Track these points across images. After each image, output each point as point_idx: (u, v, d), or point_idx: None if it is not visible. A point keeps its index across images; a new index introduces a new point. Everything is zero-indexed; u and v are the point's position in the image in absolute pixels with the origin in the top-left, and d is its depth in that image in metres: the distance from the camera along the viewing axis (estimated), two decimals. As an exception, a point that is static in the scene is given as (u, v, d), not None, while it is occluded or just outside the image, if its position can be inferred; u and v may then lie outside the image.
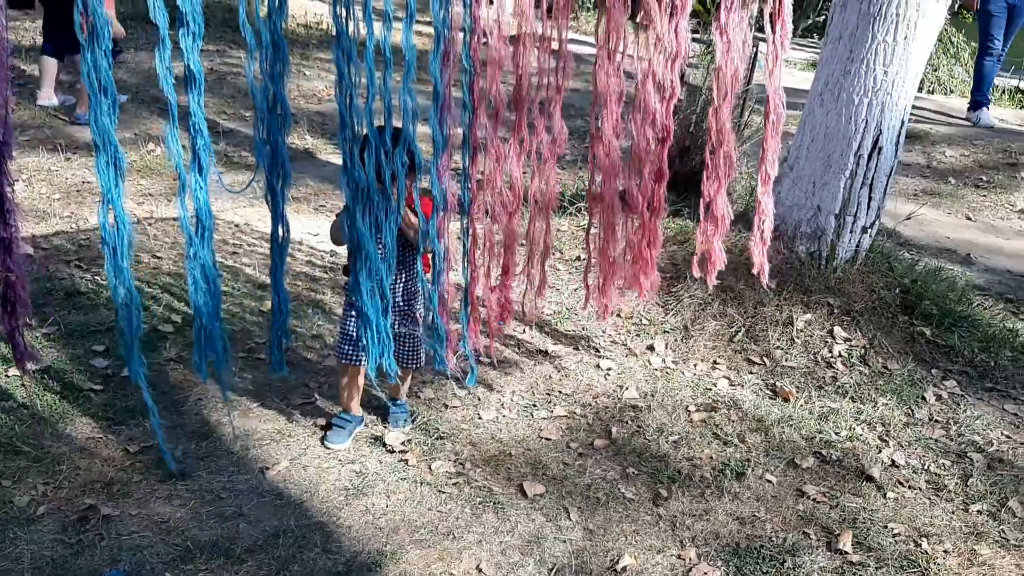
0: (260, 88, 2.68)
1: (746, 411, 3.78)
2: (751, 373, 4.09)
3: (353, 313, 3.13)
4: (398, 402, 3.53)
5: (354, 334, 3.14)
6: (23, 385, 3.56)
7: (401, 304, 3.25)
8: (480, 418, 3.66)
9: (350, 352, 3.26)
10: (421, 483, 3.24)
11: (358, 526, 3.00)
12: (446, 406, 3.72)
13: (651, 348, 4.25)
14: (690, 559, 2.93)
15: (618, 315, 4.46)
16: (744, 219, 4.77)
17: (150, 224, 5.26)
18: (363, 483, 3.21)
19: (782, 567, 2.92)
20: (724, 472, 3.38)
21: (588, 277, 3.75)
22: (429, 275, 3.12)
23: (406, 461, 3.35)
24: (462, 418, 3.66)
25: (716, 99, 3.24)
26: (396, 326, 3.14)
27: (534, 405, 3.78)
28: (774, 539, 3.05)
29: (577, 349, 4.23)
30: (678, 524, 3.11)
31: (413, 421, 3.56)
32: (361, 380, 3.39)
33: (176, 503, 3.03)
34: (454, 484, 3.24)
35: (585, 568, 2.87)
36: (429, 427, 3.56)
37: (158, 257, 4.84)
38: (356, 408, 3.46)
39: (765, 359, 4.17)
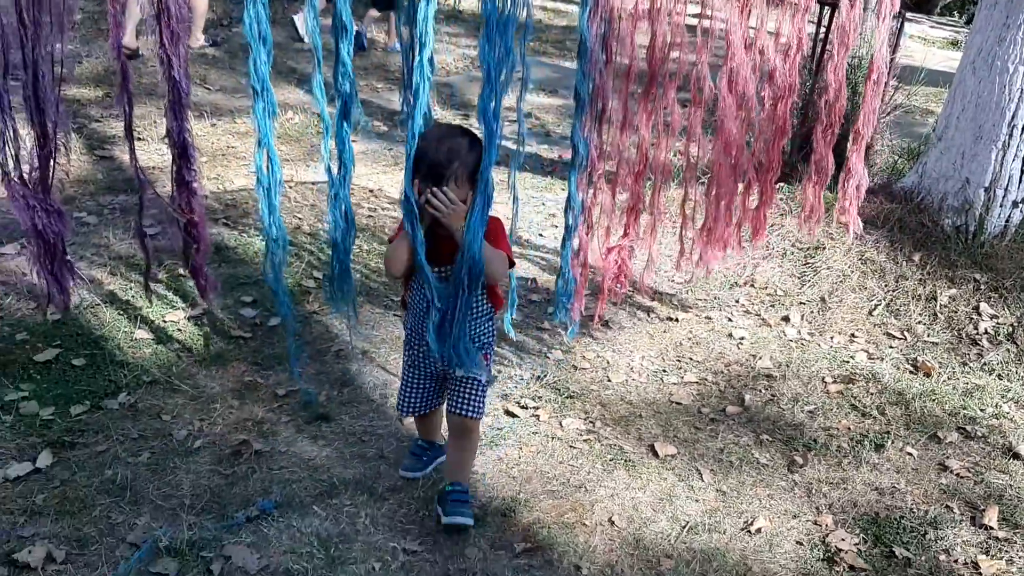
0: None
1: (885, 384, 3.68)
2: (891, 347, 3.97)
3: (409, 356, 2.75)
4: (457, 484, 2.76)
5: (412, 383, 2.76)
6: (180, 330, 3.78)
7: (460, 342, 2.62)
8: (610, 380, 3.68)
9: (409, 404, 2.80)
10: (552, 438, 3.28)
11: (492, 474, 3.07)
12: (575, 368, 3.76)
13: (786, 319, 4.17)
14: (827, 525, 2.88)
15: (752, 285, 4.39)
16: (886, 191, 4.63)
17: (290, 187, 5.46)
18: (496, 435, 3.28)
19: (923, 539, 2.84)
20: (862, 443, 3.31)
21: (698, 234, 3.70)
22: (500, 313, 2.74)
23: (537, 417, 3.40)
24: (591, 380, 3.69)
25: (835, 54, 3.17)
26: (454, 370, 2.63)
27: (664, 370, 3.78)
28: (915, 511, 2.97)
29: (709, 318, 4.19)
30: (814, 491, 3.06)
31: (539, 383, 3.60)
32: (438, 417, 2.95)
33: (321, 443, 3.17)
34: (585, 441, 3.28)
35: (718, 527, 2.86)
36: (559, 386, 3.60)
37: (298, 217, 5.03)
38: (437, 437, 3.03)
39: (906, 334, 4.04)
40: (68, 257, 3.32)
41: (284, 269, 2.95)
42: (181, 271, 4.23)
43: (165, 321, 3.83)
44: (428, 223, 2.43)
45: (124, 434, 3.14)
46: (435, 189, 2.34)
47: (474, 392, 2.66)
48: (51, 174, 3.11)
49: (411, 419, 3.05)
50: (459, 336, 2.54)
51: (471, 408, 2.67)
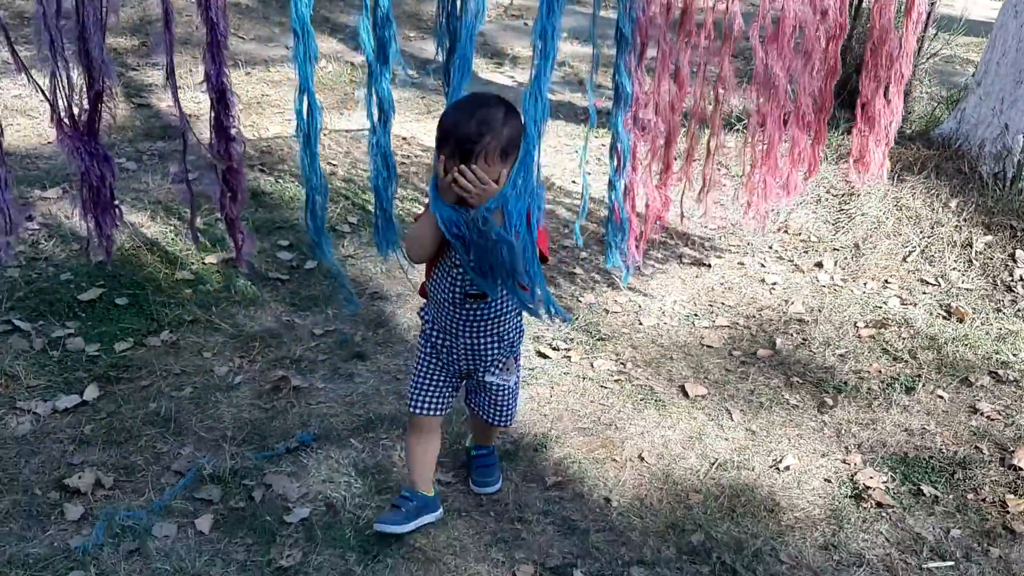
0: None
1: (918, 329, 3.68)
2: (924, 293, 3.96)
3: (428, 349, 2.45)
4: (481, 447, 2.71)
5: (429, 378, 2.46)
6: (219, 272, 3.86)
7: (488, 342, 2.39)
8: (641, 324, 3.71)
9: (424, 401, 2.47)
10: (584, 378, 3.33)
11: (524, 412, 3.12)
12: (607, 311, 3.79)
13: (819, 265, 4.17)
14: (855, 464, 2.91)
15: (785, 231, 4.38)
16: (923, 137, 4.58)
17: (325, 135, 5.50)
18: (528, 375, 3.33)
19: (952, 478, 2.87)
20: (893, 386, 3.32)
21: (755, 175, 3.69)
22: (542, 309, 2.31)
23: (569, 358, 3.45)
24: (623, 323, 3.72)
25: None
26: (482, 373, 2.44)
27: (696, 314, 3.80)
28: (944, 451, 2.99)
29: (742, 264, 4.19)
30: (843, 431, 3.09)
31: (571, 326, 3.63)
32: (437, 443, 2.56)
33: (358, 380, 3.24)
34: (616, 381, 3.32)
35: (747, 464, 2.90)
36: (591, 329, 3.64)
37: (333, 164, 5.06)
38: (427, 485, 2.53)
39: (940, 280, 4.03)
40: (116, 202, 3.39)
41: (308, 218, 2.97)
42: (219, 216, 4.30)
43: (204, 263, 3.91)
44: (453, 203, 2.14)
45: (167, 370, 3.23)
46: (463, 167, 2.04)
47: (506, 399, 2.50)
48: (98, 118, 3.16)
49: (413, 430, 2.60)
50: (489, 335, 2.38)
51: (503, 416, 2.54)
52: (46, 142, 4.89)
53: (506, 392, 2.49)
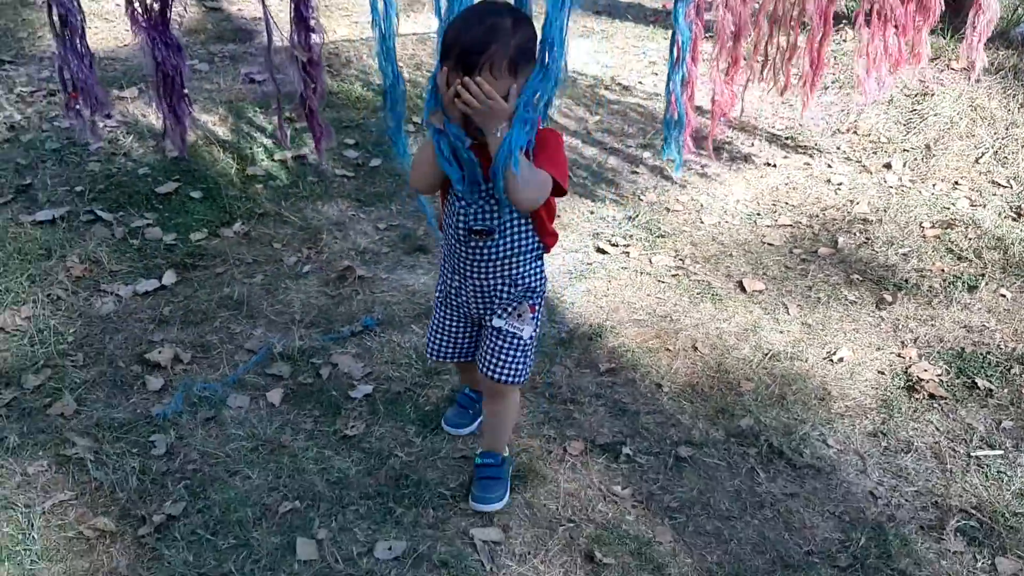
0: None
1: (985, 229, 3.61)
2: (995, 195, 3.86)
3: (441, 289, 2.25)
4: (488, 455, 2.33)
5: (442, 323, 2.28)
6: (287, 169, 3.97)
7: (498, 285, 2.12)
8: (702, 222, 3.72)
9: (439, 345, 2.31)
10: (641, 273, 3.37)
11: (580, 303, 3.19)
12: (668, 210, 3.80)
13: (887, 166, 4.09)
14: (910, 357, 2.92)
15: (854, 132, 4.30)
16: (1002, 37, 4.40)
17: (392, 38, 5.51)
18: (586, 269, 3.39)
19: (1008, 373, 2.86)
20: (955, 284, 3.29)
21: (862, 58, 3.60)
22: (552, 245, 2.16)
23: (627, 254, 3.49)
24: (683, 221, 3.73)
25: None
26: (490, 317, 2.16)
27: (758, 214, 3.79)
28: (1003, 347, 2.97)
29: (808, 164, 4.14)
30: (900, 327, 3.08)
31: (631, 223, 3.65)
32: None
33: (419, 272, 3.34)
34: (673, 276, 3.35)
35: (801, 356, 2.93)
36: (651, 226, 3.66)
37: (399, 66, 5.09)
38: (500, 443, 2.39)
39: (1012, 182, 3.92)
40: (185, 91, 3.51)
41: (388, 115, 3.02)
42: (288, 115, 4.39)
43: (273, 160, 4.02)
44: (458, 123, 1.89)
45: (239, 258, 3.37)
46: (466, 79, 1.78)
47: (513, 351, 2.13)
48: (169, 10, 3.26)
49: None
50: (499, 276, 2.11)
51: (506, 371, 2.14)
52: (122, 44, 5.04)
53: (515, 342, 2.13)
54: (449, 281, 2.19)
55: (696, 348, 2.95)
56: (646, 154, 4.17)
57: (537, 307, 2.16)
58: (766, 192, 3.93)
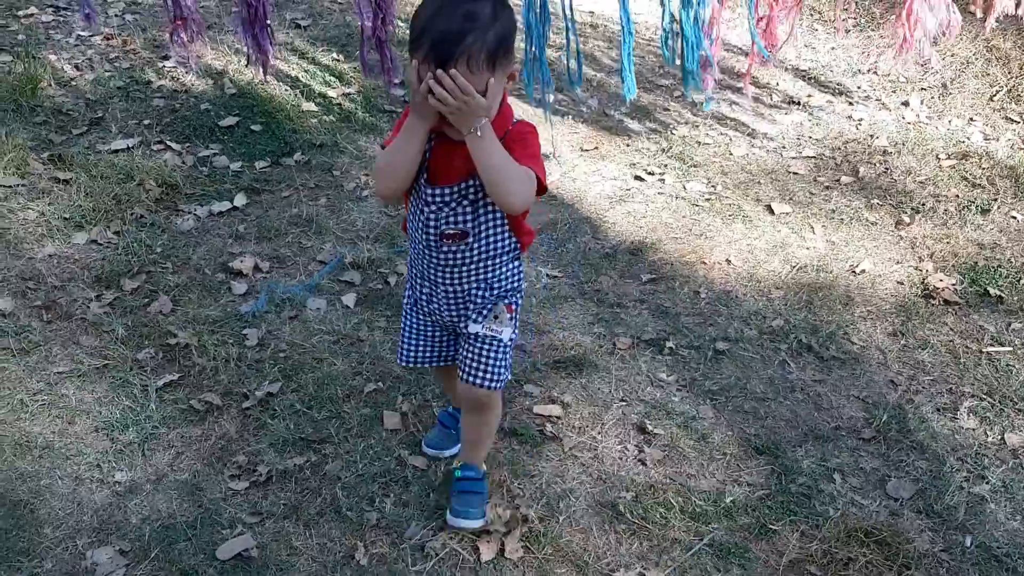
0: None
1: (998, 160, 3.85)
2: (1008, 129, 4.10)
3: (408, 294, 2.08)
4: (468, 468, 2.18)
5: (412, 328, 2.10)
6: (340, 104, 4.22)
7: (473, 289, 1.95)
8: (731, 154, 3.97)
9: (410, 351, 2.13)
10: (676, 197, 3.63)
11: (621, 224, 3.46)
12: (699, 143, 4.05)
13: (905, 104, 4.32)
14: (927, 270, 3.18)
15: (874, 73, 4.53)
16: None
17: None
18: (625, 194, 3.65)
19: (1017, 283, 3.12)
20: (969, 208, 3.54)
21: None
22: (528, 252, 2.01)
23: (663, 181, 3.74)
24: (714, 153, 3.98)
25: None
26: (465, 323, 1.98)
27: (784, 147, 4.03)
28: (1013, 262, 3.23)
29: (830, 102, 4.38)
30: (918, 244, 3.34)
31: (665, 154, 3.90)
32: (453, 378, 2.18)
33: (471, 194, 3.60)
34: (707, 200, 3.61)
35: (826, 268, 3.20)
36: (684, 156, 3.91)
37: None
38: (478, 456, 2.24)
39: (1025, 118, 4.16)
40: (268, 21, 3.75)
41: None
42: (335, 55, 4.64)
43: (327, 97, 4.27)
44: (433, 122, 1.70)
45: (303, 184, 3.64)
46: (440, 72, 1.58)
47: (493, 354, 1.97)
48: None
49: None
50: (474, 281, 1.94)
51: (488, 376, 1.98)
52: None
53: (495, 346, 1.97)
54: (418, 288, 2.00)
55: (730, 262, 3.22)
56: (677, 92, 4.41)
57: (515, 306, 1.99)
58: (791, 127, 4.17)
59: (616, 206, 3.56)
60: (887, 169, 3.82)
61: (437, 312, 2.00)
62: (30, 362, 2.63)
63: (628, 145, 4.01)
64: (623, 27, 2.68)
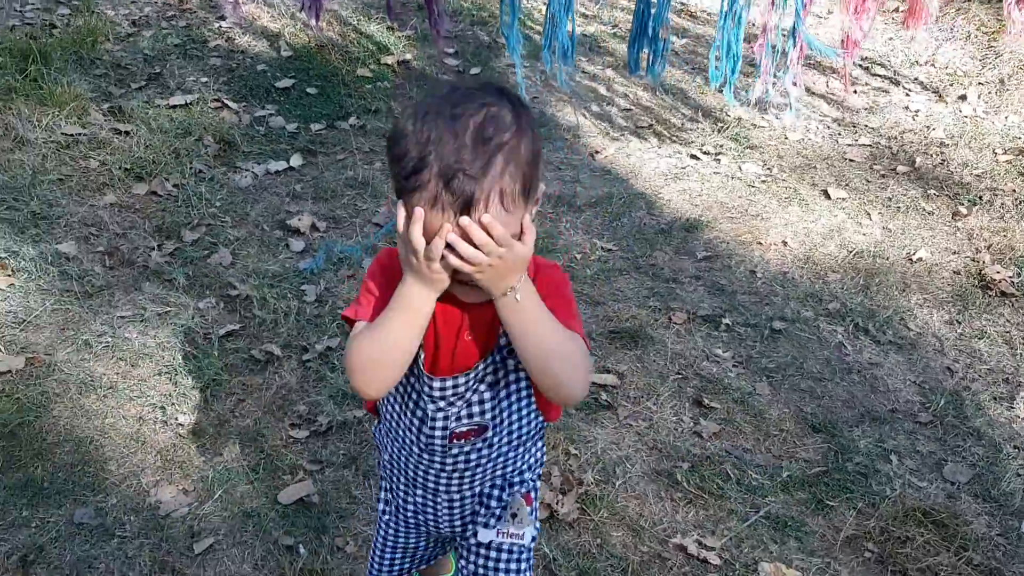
0: None
1: (1057, 157, 3.81)
2: (1068, 127, 4.06)
3: (385, 509, 1.53)
4: None
5: (391, 547, 1.56)
6: (393, 71, 4.23)
7: (486, 489, 1.44)
8: (787, 138, 3.95)
9: (388, 569, 1.59)
10: (732, 178, 3.62)
11: (676, 201, 3.45)
12: (754, 125, 4.03)
13: (963, 98, 4.28)
14: (984, 261, 3.15)
15: (932, 65, 4.49)
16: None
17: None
18: (680, 172, 3.64)
19: (1077, 279, 3.09)
20: (1027, 203, 3.51)
21: None
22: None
23: (718, 161, 3.73)
24: (769, 136, 3.96)
25: None
26: (472, 531, 1.45)
27: (840, 133, 4.01)
28: (1072, 257, 3.20)
29: (887, 91, 4.34)
30: (974, 236, 3.32)
31: (720, 135, 3.88)
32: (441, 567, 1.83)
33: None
34: (763, 182, 3.60)
35: (883, 255, 3.18)
36: (739, 138, 3.89)
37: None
38: None
39: (1085, 116, 4.11)
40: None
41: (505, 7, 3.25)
42: (391, 23, 4.65)
43: (381, 63, 4.28)
44: (444, 287, 1.18)
45: (358, 147, 3.66)
46: (467, 221, 1.08)
47: (515, 565, 1.44)
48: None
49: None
50: (489, 481, 1.43)
51: None
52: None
53: (515, 554, 1.43)
54: (402, 495, 1.47)
55: (786, 243, 3.21)
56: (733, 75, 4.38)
57: (535, 492, 1.46)
58: (847, 115, 4.14)
59: (671, 183, 3.56)
60: (944, 161, 3.79)
61: (432, 523, 1.47)
62: (93, 305, 2.66)
63: (683, 125, 3.99)
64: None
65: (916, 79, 4.43)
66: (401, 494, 1.47)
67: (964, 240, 3.29)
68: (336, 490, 2.16)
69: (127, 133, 3.48)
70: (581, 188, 3.48)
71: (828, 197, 3.50)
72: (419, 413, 1.33)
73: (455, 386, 1.30)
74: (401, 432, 1.38)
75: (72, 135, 3.40)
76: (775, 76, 3.69)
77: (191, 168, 3.36)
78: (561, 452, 2.28)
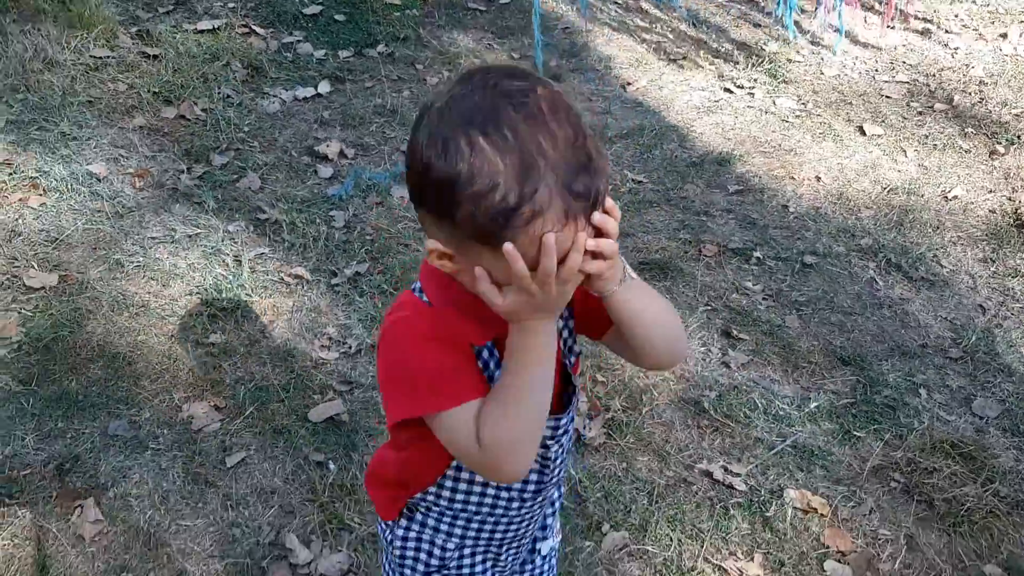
0: None
1: (1101, 96, 3.72)
2: (1113, 66, 3.95)
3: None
4: None
5: None
6: (424, 0, 4.17)
7: (554, 496, 1.34)
8: (823, 74, 3.87)
9: None
10: (765, 112, 3.56)
11: (708, 134, 3.40)
12: (789, 60, 3.94)
13: (1003, 36, 4.17)
14: (1020, 200, 3.10)
15: (973, 2, 4.37)
16: None
17: None
18: (713, 105, 3.58)
19: (1116, 220, 3.03)
20: (1067, 142, 3.43)
21: None
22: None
23: (752, 95, 3.67)
24: (804, 71, 3.88)
25: None
26: (541, 544, 1.36)
27: (876, 70, 3.92)
28: (1112, 198, 3.14)
29: (926, 30, 4.23)
30: (1011, 175, 3.26)
31: (754, 68, 3.81)
32: None
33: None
34: (796, 117, 3.54)
35: (918, 192, 3.13)
36: (774, 72, 3.82)
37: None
38: None
39: None
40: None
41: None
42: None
43: (410, -7, 4.21)
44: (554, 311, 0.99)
45: (386, 75, 3.62)
46: (601, 218, 0.91)
47: (555, 567, 1.42)
48: None
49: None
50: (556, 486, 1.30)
51: None
52: None
53: (556, 557, 1.42)
54: (482, 553, 1.25)
55: (819, 179, 3.16)
56: (768, 7, 4.29)
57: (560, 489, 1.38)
58: (885, 51, 4.05)
59: (704, 116, 3.51)
60: (982, 99, 3.71)
61: (514, 555, 1.30)
62: (124, 226, 2.68)
63: (716, 56, 3.92)
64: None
65: (956, 16, 4.31)
66: (481, 555, 1.23)
67: (1000, 179, 3.23)
68: (365, 410, 2.18)
69: (155, 57, 3.46)
70: (612, 120, 3.44)
71: (863, 133, 3.44)
72: (536, 464, 1.15)
73: (567, 422, 1.15)
74: (501, 500, 1.16)
75: (101, 58, 3.38)
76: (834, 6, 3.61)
77: (219, 93, 3.34)
78: (588, 379, 2.29)
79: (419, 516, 1.19)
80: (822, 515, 2.00)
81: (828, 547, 1.94)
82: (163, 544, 1.87)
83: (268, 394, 2.20)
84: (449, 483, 1.14)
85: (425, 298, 1.01)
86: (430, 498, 1.16)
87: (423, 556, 1.21)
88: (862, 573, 1.90)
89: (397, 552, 1.22)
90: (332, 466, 2.04)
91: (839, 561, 1.91)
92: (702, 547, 1.93)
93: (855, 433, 2.20)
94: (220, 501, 1.97)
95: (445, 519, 1.18)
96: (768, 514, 1.99)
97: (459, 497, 1.15)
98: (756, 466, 2.11)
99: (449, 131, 0.85)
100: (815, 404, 2.27)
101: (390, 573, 1.25)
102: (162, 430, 2.10)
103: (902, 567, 1.92)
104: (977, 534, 1.98)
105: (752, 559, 1.91)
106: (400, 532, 1.21)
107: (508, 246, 0.86)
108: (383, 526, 1.25)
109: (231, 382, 2.23)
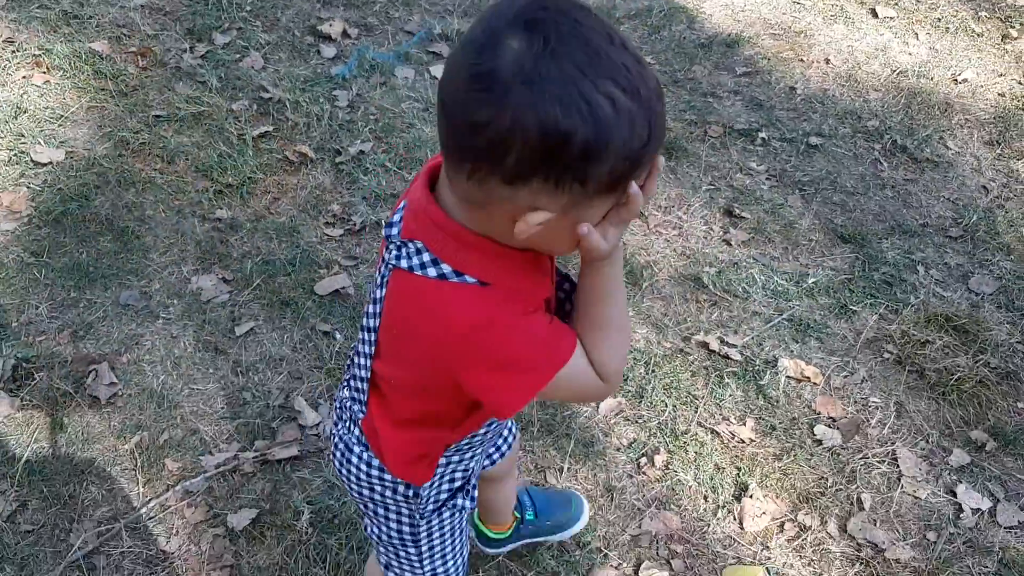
0: None
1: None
2: None
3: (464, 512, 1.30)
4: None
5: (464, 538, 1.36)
6: None
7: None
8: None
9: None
10: (776, -6, 3.49)
11: (718, 15, 3.34)
12: None
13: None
14: (1033, 83, 3.06)
15: None
16: None
17: None
18: (722, -13, 3.51)
19: None
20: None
21: None
22: None
23: None
24: None
25: None
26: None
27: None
28: (1125, 81, 3.10)
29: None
30: (1021, 59, 3.20)
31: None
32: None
33: None
34: (807, -1, 3.46)
35: (927, 74, 3.09)
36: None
37: None
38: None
39: None
40: None
41: None
42: None
43: None
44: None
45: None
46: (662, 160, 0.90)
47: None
48: None
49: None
50: None
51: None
52: None
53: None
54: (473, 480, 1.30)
55: (828, 61, 3.12)
56: None
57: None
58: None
59: (712, -1, 3.44)
60: (1000, -18, 3.62)
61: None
62: (128, 103, 2.68)
63: None
64: None
65: None
66: (472, 479, 1.29)
67: (1011, 63, 3.19)
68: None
69: (154, -66, 3.39)
70: (620, 0, 3.38)
71: (875, 16, 3.38)
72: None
73: None
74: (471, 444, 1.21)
75: (99, -65, 3.31)
76: None
77: (220, -28, 3.28)
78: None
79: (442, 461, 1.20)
80: (814, 384, 2.06)
81: (819, 413, 2.00)
82: (176, 406, 1.94)
83: (275, 268, 2.24)
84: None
85: (470, 279, 0.92)
86: (452, 447, 1.17)
87: (445, 485, 1.23)
88: (851, 437, 1.96)
89: (426, 497, 1.21)
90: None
91: (829, 426, 1.97)
92: (696, 412, 1.99)
93: (851, 307, 2.24)
94: (230, 367, 2.03)
95: (456, 454, 1.20)
96: (762, 382, 2.05)
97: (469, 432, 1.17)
98: (752, 338, 2.16)
99: (576, 90, 0.75)
100: (813, 280, 2.30)
101: (401, 513, 1.24)
102: (172, 300, 2.14)
103: (890, 432, 1.98)
104: (966, 402, 2.04)
105: (744, 424, 1.97)
106: (423, 491, 1.20)
107: (634, 187, 0.84)
108: (385, 484, 1.20)
109: (238, 256, 2.27)
